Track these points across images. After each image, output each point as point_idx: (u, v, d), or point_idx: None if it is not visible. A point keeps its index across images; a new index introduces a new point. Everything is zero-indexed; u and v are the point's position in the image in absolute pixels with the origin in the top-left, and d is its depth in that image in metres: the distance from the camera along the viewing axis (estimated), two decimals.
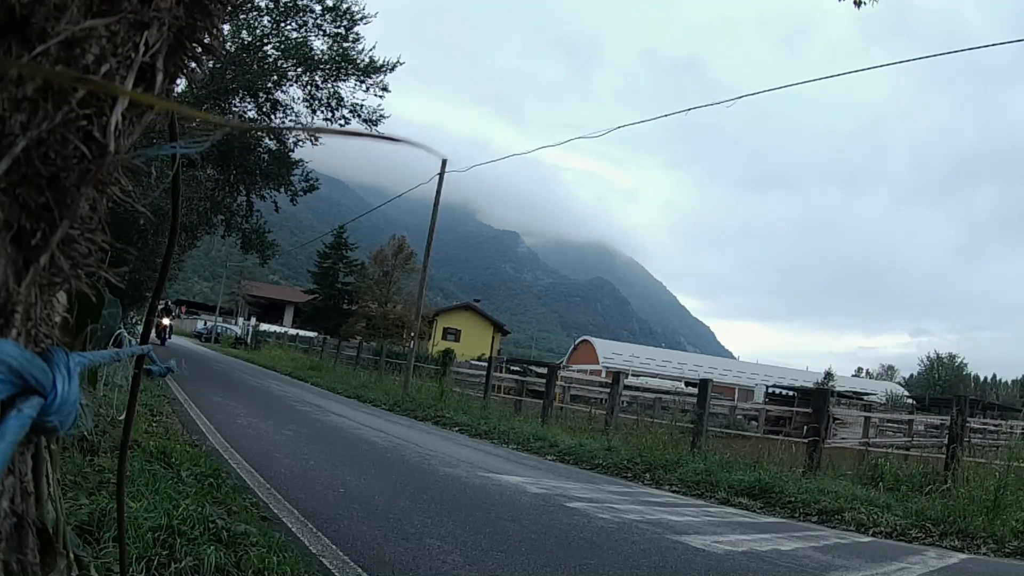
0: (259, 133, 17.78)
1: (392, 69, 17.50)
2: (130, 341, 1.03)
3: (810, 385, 28.51)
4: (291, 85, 17.26)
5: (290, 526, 4.07)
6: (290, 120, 17.93)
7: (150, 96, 0.52)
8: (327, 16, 16.50)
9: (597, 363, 47.99)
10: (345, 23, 16.70)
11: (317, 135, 18.31)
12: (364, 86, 17.48)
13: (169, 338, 26.43)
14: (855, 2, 5.81)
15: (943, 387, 68.54)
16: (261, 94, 16.99)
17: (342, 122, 17.94)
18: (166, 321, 25.43)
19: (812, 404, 10.31)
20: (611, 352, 54.25)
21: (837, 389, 27.11)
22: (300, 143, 18.37)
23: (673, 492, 7.96)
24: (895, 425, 17.63)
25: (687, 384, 27.12)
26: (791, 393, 27.72)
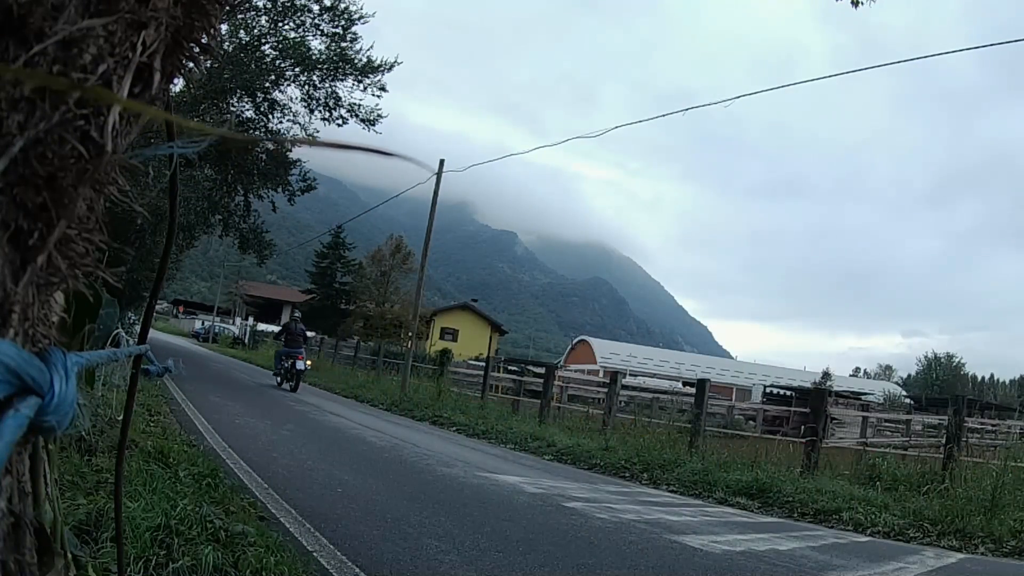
0: (256, 135, 17.77)
1: (390, 69, 17.55)
2: (128, 341, 1.03)
3: (808, 385, 28.55)
4: (289, 85, 17.32)
5: (288, 526, 4.06)
6: (288, 120, 17.98)
7: (140, 104, 0.52)
8: (325, 16, 16.53)
9: (595, 363, 48.03)
10: (343, 23, 16.73)
11: (313, 139, 18.29)
12: (362, 86, 17.54)
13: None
14: (852, 2, 5.84)
15: (941, 387, 68.71)
16: (259, 94, 17.02)
17: (340, 122, 17.98)
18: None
19: (810, 404, 10.32)
20: (608, 352, 54.32)
21: (835, 389, 27.16)
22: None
23: (671, 492, 7.97)
24: (893, 425, 17.68)
25: (685, 384, 27.17)
26: (789, 393, 27.79)
